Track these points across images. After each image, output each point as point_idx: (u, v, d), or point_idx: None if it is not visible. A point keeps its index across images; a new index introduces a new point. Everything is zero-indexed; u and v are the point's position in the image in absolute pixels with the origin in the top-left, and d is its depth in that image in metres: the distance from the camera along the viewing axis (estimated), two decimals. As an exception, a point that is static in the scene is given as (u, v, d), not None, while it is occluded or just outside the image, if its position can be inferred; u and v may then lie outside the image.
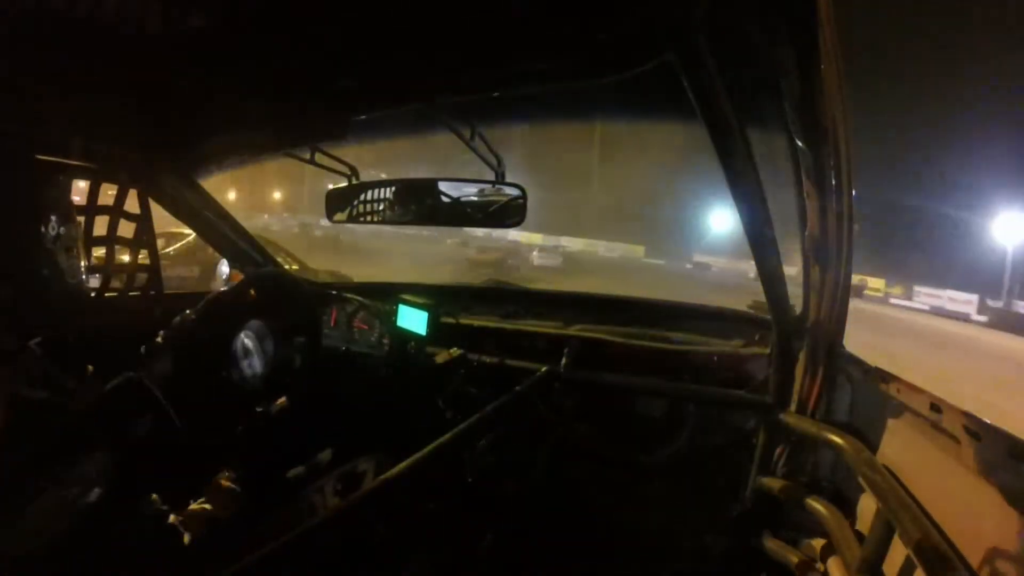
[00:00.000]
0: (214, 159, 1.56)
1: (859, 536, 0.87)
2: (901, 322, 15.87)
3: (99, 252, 1.39)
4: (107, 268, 1.43)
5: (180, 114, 1.15)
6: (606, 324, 1.65)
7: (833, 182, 0.84)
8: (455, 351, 1.62)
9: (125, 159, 1.39)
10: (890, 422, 0.96)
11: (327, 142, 1.42)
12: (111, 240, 1.42)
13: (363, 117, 1.18)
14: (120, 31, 0.70)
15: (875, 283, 26.48)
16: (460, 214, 1.41)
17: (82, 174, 1.29)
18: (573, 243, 37.40)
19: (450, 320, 1.68)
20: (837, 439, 0.94)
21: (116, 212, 1.42)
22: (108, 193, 1.38)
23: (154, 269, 1.54)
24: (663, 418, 1.51)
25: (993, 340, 14.02)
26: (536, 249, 23.61)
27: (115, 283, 1.46)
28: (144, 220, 1.49)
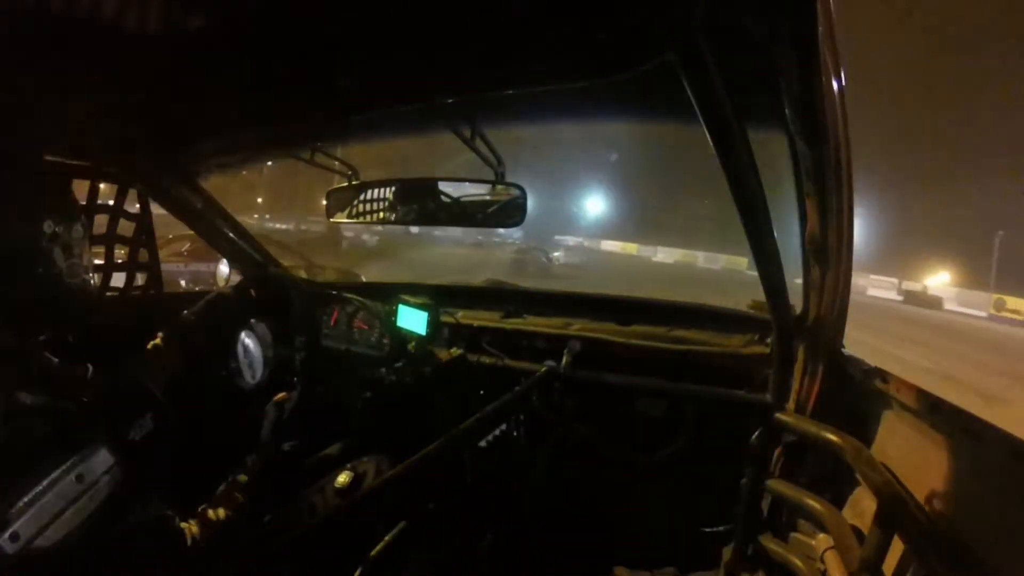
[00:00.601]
0: (214, 159, 1.56)
1: (859, 536, 0.87)
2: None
3: (98, 252, 1.40)
4: (106, 268, 1.43)
5: (180, 114, 1.15)
6: (606, 324, 1.65)
7: (833, 182, 0.84)
8: (455, 351, 1.62)
9: (125, 159, 1.39)
10: (890, 422, 0.96)
11: (327, 142, 1.42)
12: (110, 240, 1.42)
13: (363, 117, 1.18)
14: (120, 31, 0.70)
15: (1015, 303, 23.28)
16: (460, 214, 1.41)
17: (82, 174, 1.30)
18: (670, 254, 35.47)
19: (450, 320, 1.68)
20: (837, 439, 0.94)
21: (115, 212, 1.42)
22: (108, 193, 1.39)
23: (153, 269, 1.55)
24: (663, 418, 1.51)
25: None
26: (561, 249, 23.92)
27: (114, 283, 1.46)
28: (144, 220, 1.49)
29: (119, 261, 1.47)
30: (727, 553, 1.26)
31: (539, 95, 0.99)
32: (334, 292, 1.83)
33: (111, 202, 1.43)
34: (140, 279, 1.56)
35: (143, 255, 1.53)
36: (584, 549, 1.47)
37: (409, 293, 1.71)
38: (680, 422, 1.49)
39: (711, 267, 33.08)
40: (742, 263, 31.91)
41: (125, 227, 1.48)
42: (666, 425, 1.50)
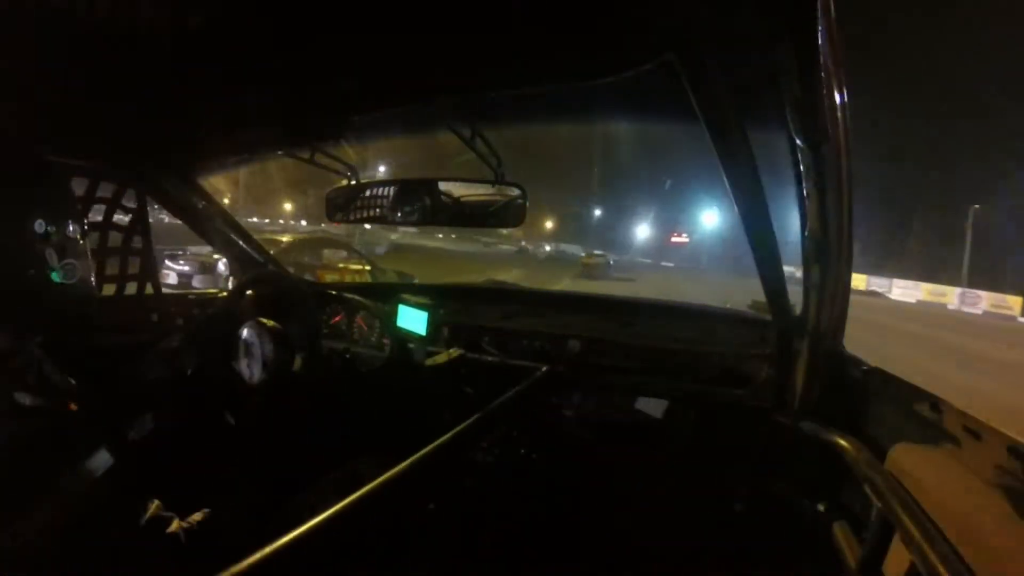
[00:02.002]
0: (214, 159, 1.56)
1: (859, 536, 0.87)
2: None
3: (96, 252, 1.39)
4: (103, 268, 1.43)
5: (180, 114, 1.15)
6: (606, 324, 1.65)
7: (833, 182, 0.85)
8: (455, 351, 1.62)
9: (125, 159, 1.39)
10: (890, 422, 0.96)
11: (327, 142, 1.42)
12: (106, 237, 1.42)
13: (363, 117, 1.18)
14: (120, 31, 0.70)
15: None
16: (460, 214, 1.41)
17: (82, 173, 1.30)
18: (909, 291, 25.18)
19: (450, 320, 1.68)
20: (837, 439, 0.94)
21: (112, 212, 1.42)
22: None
23: (150, 269, 1.55)
24: (663, 418, 1.51)
25: None
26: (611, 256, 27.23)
27: (112, 283, 1.46)
28: (141, 220, 1.49)
29: (115, 252, 1.46)
30: (727, 553, 1.26)
31: (539, 95, 0.99)
32: (334, 292, 1.83)
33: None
34: (134, 275, 1.55)
35: (140, 255, 1.53)
36: (584, 549, 1.47)
37: (409, 293, 1.71)
38: (680, 422, 1.49)
39: (973, 312, 20.90)
40: (1014, 304, 20.99)
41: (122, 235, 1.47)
42: (666, 425, 1.50)
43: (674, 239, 37.63)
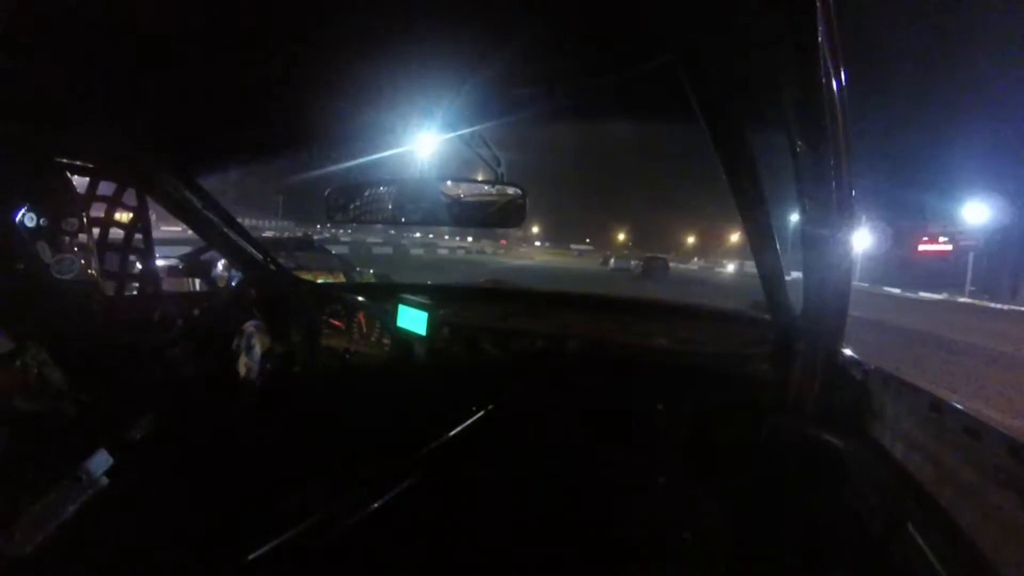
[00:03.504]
0: (214, 159, 1.56)
1: (859, 536, 0.87)
2: None
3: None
4: (103, 268, 1.43)
5: (180, 114, 1.15)
6: (606, 324, 1.65)
7: (833, 182, 0.85)
8: (455, 351, 1.62)
9: (125, 159, 1.39)
10: (890, 422, 0.96)
11: (327, 142, 1.42)
12: (106, 236, 1.42)
13: (363, 117, 1.18)
14: (120, 30, 0.70)
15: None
16: (460, 214, 1.41)
17: (82, 173, 1.30)
18: None
19: (450, 320, 1.68)
20: (837, 439, 0.94)
21: (112, 211, 1.41)
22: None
23: (151, 268, 1.55)
24: (663, 418, 1.51)
25: None
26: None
27: (113, 283, 1.46)
28: (141, 219, 1.49)
29: (115, 251, 1.46)
30: (728, 553, 1.26)
31: (539, 95, 0.99)
32: (334, 292, 1.83)
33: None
34: (135, 274, 1.55)
35: (140, 255, 1.53)
36: (584, 549, 1.47)
37: (409, 293, 1.71)
38: (680, 422, 1.49)
39: None
40: None
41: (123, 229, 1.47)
42: (666, 425, 1.50)
43: (924, 247, 21.99)
